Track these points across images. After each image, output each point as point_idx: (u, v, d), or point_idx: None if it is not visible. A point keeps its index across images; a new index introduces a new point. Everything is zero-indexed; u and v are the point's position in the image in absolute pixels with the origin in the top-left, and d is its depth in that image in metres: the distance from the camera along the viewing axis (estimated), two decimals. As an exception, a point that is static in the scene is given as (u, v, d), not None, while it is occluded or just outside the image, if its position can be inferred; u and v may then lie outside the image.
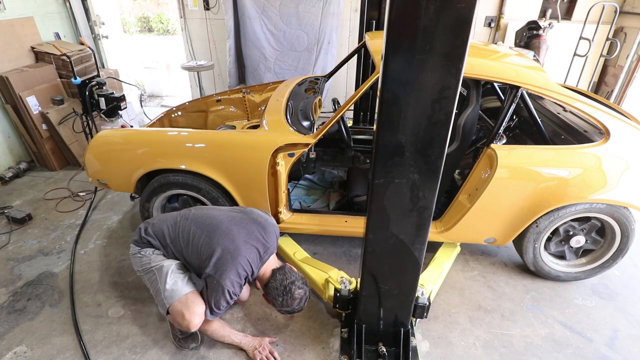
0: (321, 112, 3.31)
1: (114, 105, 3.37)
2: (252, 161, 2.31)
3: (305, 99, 2.93)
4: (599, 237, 2.43)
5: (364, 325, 1.98)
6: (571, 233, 2.40)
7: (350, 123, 4.16)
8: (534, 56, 4.13)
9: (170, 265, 1.94)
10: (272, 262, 2.03)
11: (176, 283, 1.89)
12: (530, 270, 2.58)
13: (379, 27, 3.69)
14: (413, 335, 2.07)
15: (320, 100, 3.10)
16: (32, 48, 3.85)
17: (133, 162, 2.45)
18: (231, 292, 1.84)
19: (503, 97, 2.68)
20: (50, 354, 2.01)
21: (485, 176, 2.25)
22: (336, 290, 2.09)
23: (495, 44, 4.72)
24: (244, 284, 1.94)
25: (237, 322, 2.23)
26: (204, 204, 2.53)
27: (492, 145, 2.22)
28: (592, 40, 4.25)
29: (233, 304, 2.32)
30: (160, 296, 1.89)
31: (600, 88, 5.01)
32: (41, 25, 4.03)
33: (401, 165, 1.47)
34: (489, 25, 4.87)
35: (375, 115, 1.43)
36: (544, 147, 2.25)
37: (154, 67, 6.97)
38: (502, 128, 2.23)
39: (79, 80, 3.33)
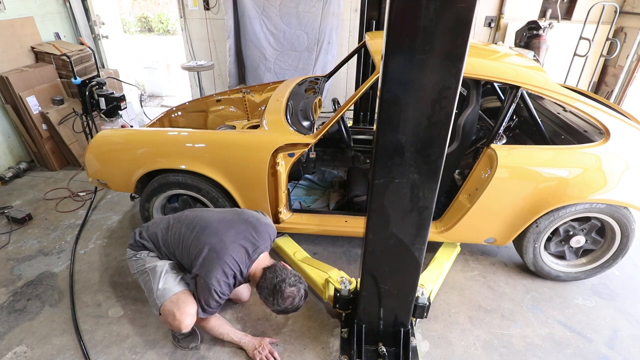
0: (321, 112, 3.31)
1: (114, 105, 3.37)
2: (252, 161, 2.31)
3: (305, 99, 2.93)
4: (599, 237, 2.43)
5: (364, 325, 1.98)
6: (571, 233, 2.40)
7: (350, 123, 4.16)
8: (534, 56, 4.13)
9: (164, 266, 1.95)
10: (264, 261, 1.96)
11: (167, 282, 1.89)
12: (530, 270, 2.58)
13: (379, 27, 3.69)
14: (413, 335, 2.07)
15: (320, 100, 3.10)
16: (32, 48, 3.85)
17: (133, 162, 2.45)
18: (219, 291, 1.82)
19: (503, 97, 2.69)
20: (50, 354, 2.01)
21: (485, 176, 2.25)
22: (336, 290, 2.09)
23: (495, 44, 4.72)
24: (234, 284, 1.91)
25: (237, 322, 2.23)
26: (204, 204, 2.53)
27: (492, 145, 2.22)
28: (592, 40, 4.25)
29: (233, 303, 2.33)
30: (153, 296, 1.89)
31: (600, 88, 5.01)
32: (41, 25, 4.03)
33: (401, 165, 1.47)
34: (489, 25, 4.87)
35: (375, 115, 1.43)
36: (544, 147, 2.25)
37: (154, 67, 6.97)
38: (502, 128, 2.23)
39: (79, 80, 3.33)
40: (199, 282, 1.85)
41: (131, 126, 3.76)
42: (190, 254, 1.90)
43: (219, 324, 2.02)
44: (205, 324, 1.98)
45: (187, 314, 1.83)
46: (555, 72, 4.72)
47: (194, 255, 1.87)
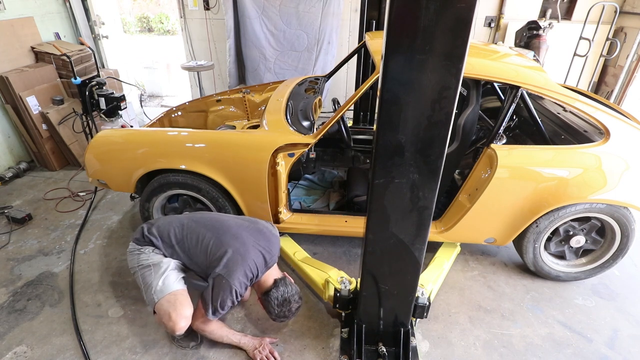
0: (321, 112, 3.31)
1: (114, 105, 3.37)
2: (252, 161, 2.31)
3: (305, 99, 2.93)
4: (599, 237, 2.43)
5: (364, 325, 1.98)
6: (571, 233, 2.40)
7: (350, 123, 4.16)
8: (534, 56, 4.13)
9: (169, 263, 1.95)
10: (274, 271, 2.08)
11: (168, 278, 1.90)
12: (530, 270, 2.58)
13: (379, 27, 3.69)
14: (413, 335, 2.07)
15: (320, 100, 3.10)
16: (32, 48, 3.85)
17: (133, 162, 2.45)
18: (238, 292, 1.86)
19: (503, 97, 2.69)
20: (50, 354, 2.01)
21: (485, 176, 2.25)
22: (336, 290, 2.10)
23: (495, 44, 4.72)
24: (248, 286, 1.96)
25: (237, 322, 2.23)
26: (204, 204, 2.53)
27: (492, 145, 2.22)
28: (592, 40, 4.25)
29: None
30: (150, 291, 1.88)
31: (600, 88, 5.01)
32: (41, 25, 4.03)
33: (401, 165, 1.47)
34: (489, 25, 4.87)
35: (375, 115, 1.43)
36: (544, 147, 2.25)
37: (154, 67, 6.97)
38: (502, 128, 2.23)
39: (79, 80, 3.33)
40: (218, 281, 1.85)
41: (131, 126, 3.76)
42: (209, 254, 1.92)
43: (218, 326, 2.01)
44: (205, 327, 1.97)
45: (182, 316, 1.83)
46: (555, 72, 4.72)
47: (216, 257, 1.90)
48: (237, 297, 1.88)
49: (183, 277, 1.99)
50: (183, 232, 2.01)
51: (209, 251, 1.93)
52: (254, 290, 2.41)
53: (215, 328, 1.99)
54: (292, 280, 2.07)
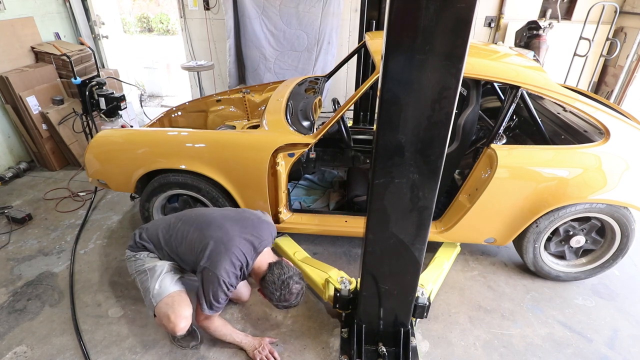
0: (321, 112, 3.31)
1: (114, 105, 3.37)
2: (252, 161, 2.31)
3: (305, 99, 2.93)
4: (599, 237, 2.43)
5: (364, 325, 1.98)
6: (571, 233, 2.40)
7: (350, 123, 4.16)
8: (534, 56, 4.13)
9: (163, 266, 1.95)
10: (268, 256, 1.99)
11: (164, 281, 1.89)
12: (530, 270, 2.58)
13: (379, 27, 3.69)
14: (413, 335, 2.07)
15: (320, 100, 3.10)
16: (32, 48, 3.85)
17: (133, 162, 2.45)
18: (227, 282, 1.82)
19: (503, 97, 2.69)
20: (50, 354, 2.01)
21: (485, 176, 2.25)
22: (336, 290, 2.10)
23: (495, 44, 4.72)
24: (241, 276, 1.91)
25: (237, 322, 2.23)
26: (204, 204, 2.53)
27: (492, 145, 2.22)
28: (592, 40, 4.25)
29: (233, 304, 2.33)
30: (149, 296, 1.88)
31: (600, 88, 5.01)
32: (41, 25, 4.03)
33: (401, 165, 1.47)
34: (489, 25, 4.87)
35: (375, 115, 1.43)
36: (544, 147, 2.25)
37: (154, 67, 6.97)
38: (502, 128, 2.23)
39: (79, 80, 3.33)
40: (206, 275, 1.83)
41: (131, 126, 3.76)
42: (194, 249, 1.90)
43: (222, 324, 2.01)
44: (209, 324, 1.96)
45: (182, 317, 1.82)
46: (555, 72, 4.72)
47: (200, 250, 1.87)
48: (227, 288, 1.83)
49: (180, 279, 1.98)
50: (169, 231, 2.00)
51: (193, 246, 1.90)
52: (254, 291, 2.41)
53: (219, 325, 1.99)
54: (289, 263, 1.96)
